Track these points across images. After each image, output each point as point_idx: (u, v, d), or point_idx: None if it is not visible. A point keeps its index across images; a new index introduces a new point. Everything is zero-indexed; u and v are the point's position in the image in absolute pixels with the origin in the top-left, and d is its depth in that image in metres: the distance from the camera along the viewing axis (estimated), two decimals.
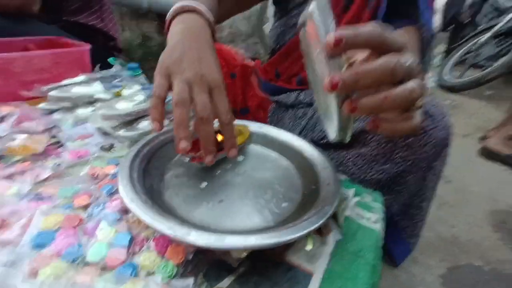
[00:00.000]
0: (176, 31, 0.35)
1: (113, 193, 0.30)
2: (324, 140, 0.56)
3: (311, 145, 0.39)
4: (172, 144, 0.32)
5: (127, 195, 0.25)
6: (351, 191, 0.35)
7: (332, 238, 0.27)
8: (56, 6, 0.82)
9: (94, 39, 0.93)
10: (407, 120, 0.24)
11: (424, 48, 0.53)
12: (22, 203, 0.27)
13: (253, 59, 1.42)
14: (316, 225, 0.24)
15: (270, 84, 0.76)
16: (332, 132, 0.25)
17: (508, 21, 1.91)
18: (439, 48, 3.47)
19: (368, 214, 0.32)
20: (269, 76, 0.77)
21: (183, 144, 0.28)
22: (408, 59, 0.22)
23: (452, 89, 2.20)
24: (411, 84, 0.22)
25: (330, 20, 0.22)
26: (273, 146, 0.41)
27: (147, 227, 0.26)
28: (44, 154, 0.36)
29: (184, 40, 0.33)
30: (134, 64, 0.76)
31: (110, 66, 0.93)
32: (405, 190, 0.53)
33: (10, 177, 0.31)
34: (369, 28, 0.21)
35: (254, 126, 0.45)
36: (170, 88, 0.30)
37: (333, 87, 0.21)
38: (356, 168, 0.52)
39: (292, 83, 0.73)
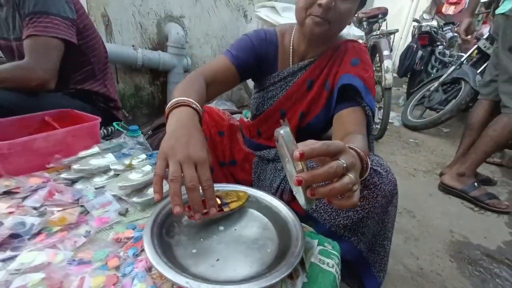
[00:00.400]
0: (172, 122, 0.48)
1: (137, 254, 0.40)
2: None
3: (285, 206, 0.51)
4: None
5: (153, 259, 0.35)
6: (315, 241, 0.47)
7: (300, 281, 0.38)
8: (65, 77, 0.94)
9: (96, 101, 1.06)
10: (349, 199, 0.37)
11: (369, 120, 0.70)
12: (70, 267, 0.36)
13: (236, 113, 1.59)
14: (287, 273, 0.35)
15: (253, 141, 0.90)
16: (301, 203, 0.37)
17: (450, 73, 2.28)
18: (404, 88, 3.92)
19: (328, 260, 0.44)
20: (252, 134, 0.92)
21: (177, 209, 0.40)
22: (346, 160, 0.36)
23: (415, 128, 2.50)
24: (347, 178, 0.35)
25: (293, 139, 0.36)
26: (257, 207, 0.53)
27: (166, 280, 0.35)
28: (76, 222, 0.46)
29: (177, 130, 0.46)
30: (134, 126, 0.87)
31: (111, 121, 1.05)
32: (368, 231, 0.65)
33: (53, 246, 0.41)
34: (319, 145, 0.35)
35: (241, 189, 0.57)
36: (167, 166, 0.42)
37: (299, 183, 0.34)
38: (327, 215, 0.65)
39: (272, 141, 0.87)
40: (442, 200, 1.42)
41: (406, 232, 1.12)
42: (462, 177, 1.39)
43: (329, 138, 0.74)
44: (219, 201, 0.48)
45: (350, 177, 0.35)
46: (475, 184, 1.36)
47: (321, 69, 0.74)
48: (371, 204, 0.60)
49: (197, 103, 0.52)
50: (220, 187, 0.57)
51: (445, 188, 1.45)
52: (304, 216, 0.71)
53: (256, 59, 0.74)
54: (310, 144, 0.34)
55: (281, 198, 0.76)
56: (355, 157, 0.41)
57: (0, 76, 0.74)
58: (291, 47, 0.75)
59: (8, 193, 0.53)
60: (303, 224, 0.53)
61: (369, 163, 0.58)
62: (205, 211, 0.42)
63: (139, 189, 0.56)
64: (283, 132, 0.36)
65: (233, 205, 0.50)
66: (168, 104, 0.51)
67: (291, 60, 0.77)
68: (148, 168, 0.59)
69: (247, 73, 0.75)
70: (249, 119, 0.99)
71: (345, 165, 0.35)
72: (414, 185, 1.54)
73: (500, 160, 1.94)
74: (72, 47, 0.87)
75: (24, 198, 0.51)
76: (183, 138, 0.44)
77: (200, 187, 0.41)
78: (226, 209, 0.49)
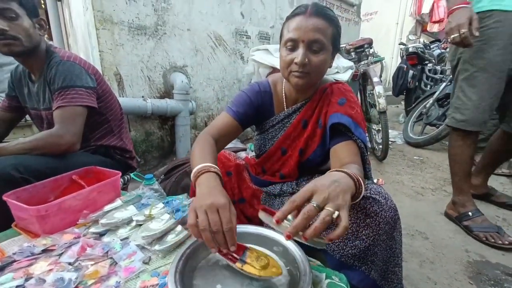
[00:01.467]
0: (200, 188, 0.56)
1: None
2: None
3: (292, 242, 0.56)
4: (193, 258, 0.51)
5: None
6: (323, 275, 0.51)
7: None
8: (86, 137, 1.05)
9: (114, 154, 1.16)
10: (339, 225, 0.43)
11: (362, 151, 0.76)
12: None
13: (241, 150, 1.67)
14: None
15: (259, 178, 0.97)
16: (315, 247, 0.45)
17: (442, 89, 2.38)
18: (403, 105, 4.01)
19: None
20: (258, 171, 0.99)
21: (213, 251, 0.50)
22: (317, 200, 0.44)
23: (418, 145, 2.53)
24: (324, 213, 0.43)
25: (268, 216, 0.47)
26: (267, 245, 0.58)
27: None
28: (107, 274, 0.52)
29: (203, 192, 0.54)
30: (149, 175, 0.95)
31: (126, 170, 1.14)
32: (378, 259, 0.67)
33: None
34: (287, 206, 0.45)
35: (251, 229, 0.62)
36: (197, 217, 0.50)
37: (288, 238, 0.43)
38: (335, 246, 0.68)
39: (276, 177, 0.94)
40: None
41: (421, 256, 1.12)
42: (455, 205, 1.36)
43: (327, 170, 0.80)
44: (239, 254, 0.52)
45: (327, 210, 0.43)
46: (469, 213, 1.28)
47: (313, 110, 0.83)
48: (375, 231, 0.64)
49: (214, 166, 0.61)
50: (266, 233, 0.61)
51: (446, 214, 1.43)
52: (315, 249, 0.75)
53: (254, 110, 0.84)
54: (281, 209, 0.45)
55: None
56: (338, 181, 0.49)
57: (36, 145, 0.85)
58: (283, 94, 0.86)
59: (46, 251, 0.59)
60: (311, 258, 0.57)
61: (367, 191, 0.64)
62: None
63: (160, 237, 0.62)
64: (261, 216, 0.51)
65: (248, 268, 0.49)
66: (193, 172, 0.60)
67: (285, 105, 0.86)
68: (166, 216, 0.66)
69: (247, 123, 0.85)
70: (254, 153, 1.07)
71: (315, 204, 0.44)
72: (424, 204, 1.54)
73: (508, 171, 1.93)
74: (93, 110, 0.99)
75: (60, 254, 0.58)
76: (207, 194, 0.53)
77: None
78: (237, 264, 0.50)
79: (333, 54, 0.77)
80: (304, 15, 0.69)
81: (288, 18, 0.74)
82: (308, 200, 0.45)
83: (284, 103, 0.86)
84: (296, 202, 0.45)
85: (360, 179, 0.54)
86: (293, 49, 0.71)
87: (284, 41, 0.73)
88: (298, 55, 0.69)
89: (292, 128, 0.85)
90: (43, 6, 3.53)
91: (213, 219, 0.49)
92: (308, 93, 0.83)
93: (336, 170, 0.54)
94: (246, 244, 0.55)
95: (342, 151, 0.74)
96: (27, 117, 1.16)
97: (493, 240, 1.17)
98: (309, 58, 0.70)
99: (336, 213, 0.43)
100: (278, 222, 0.42)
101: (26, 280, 0.50)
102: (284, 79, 0.86)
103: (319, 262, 0.59)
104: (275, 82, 0.88)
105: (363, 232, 0.65)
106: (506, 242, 1.15)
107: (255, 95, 0.84)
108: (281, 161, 0.91)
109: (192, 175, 0.59)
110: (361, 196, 0.55)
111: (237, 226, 0.65)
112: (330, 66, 0.80)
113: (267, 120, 0.88)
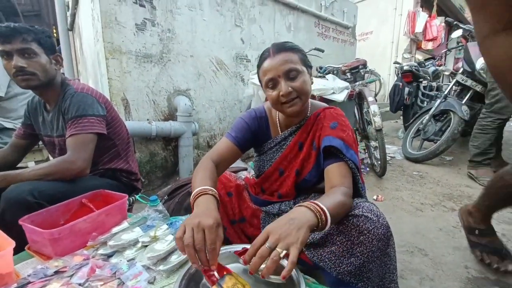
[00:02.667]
0: (196, 208, 0.62)
1: None
2: (308, 241, 0.76)
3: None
4: (195, 277, 0.56)
5: None
6: None
7: None
8: (95, 161, 1.11)
9: (120, 177, 1.21)
10: (288, 261, 0.48)
11: (354, 172, 0.81)
12: None
13: (242, 170, 1.71)
14: None
15: (258, 198, 1.01)
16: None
17: (437, 106, 2.45)
18: (402, 120, 4.06)
19: None
20: (257, 191, 1.03)
21: (194, 266, 0.54)
22: (269, 242, 0.51)
23: (417, 160, 2.55)
24: (273, 254, 0.49)
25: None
26: None
27: None
28: None
29: (197, 211, 0.60)
30: (153, 197, 1.00)
31: (132, 191, 1.19)
32: (373, 276, 0.70)
33: None
34: (248, 253, 0.51)
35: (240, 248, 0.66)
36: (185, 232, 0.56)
37: (250, 273, 0.50)
38: (331, 263, 0.71)
39: (274, 197, 0.98)
40: (453, 234, 1.42)
41: (420, 273, 1.12)
42: (469, 215, 1.26)
43: (323, 189, 0.85)
44: (220, 275, 0.55)
45: (275, 251, 0.50)
46: (476, 231, 1.21)
47: (307, 133, 0.89)
48: (369, 248, 0.67)
49: (212, 188, 0.67)
50: None
51: (460, 218, 1.31)
52: (312, 266, 0.78)
53: (251, 134, 0.91)
54: (247, 253, 0.52)
55: None
56: (293, 219, 0.54)
57: (50, 170, 0.91)
58: (277, 120, 0.92)
59: (58, 272, 0.63)
60: (306, 276, 0.60)
61: (360, 209, 0.68)
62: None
63: (164, 257, 0.66)
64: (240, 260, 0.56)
65: None
66: (192, 194, 0.67)
67: (279, 129, 0.93)
68: (170, 237, 0.70)
69: (246, 146, 0.91)
70: (253, 173, 1.11)
71: (267, 246, 0.51)
72: (423, 220, 1.55)
73: None
74: (102, 136, 1.06)
75: (71, 275, 0.62)
76: (199, 214, 0.58)
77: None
78: (215, 287, 0.53)
79: (309, 72, 0.85)
80: (270, 57, 0.79)
81: (259, 65, 0.84)
82: (266, 241, 0.52)
83: (278, 127, 0.92)
84: (256, 245, 0.52)
85: (324, 208, 0.58)
86: (275, 86, 0.79)
87: (264, 83, 0.81)
88: (281, 87, 0.77)
89: (288, 150, 0.91)
90: (55, 34, 3.76)
91: (198, 238, 0.53)
92: (301, 116, 0.89)
93: (300, 205, 0.59)
94: (232, 270, 0.57)
95: (333, 173, 0.79)
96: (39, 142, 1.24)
97: (488, 261, 1.11)
98: (291, 86, 0.78)
99: (284, 252, 0.49)
100: (246, 263, 0.49)
101: None
102: None
103: (314, 280, 0.62)
104: (270, 108, 0.95)
105: (357, 250, 0.68)
106: (503, 269, 1.07)
107: (252, 120, 0.91)
108: (279, 181, 0.96)
109: (191, 196, 0.65)
110: (328, 225, 0.59)
111: (234, 246, 0.69)
112: (312, 82, 0.88)
113: (264, 143, 0.94)
